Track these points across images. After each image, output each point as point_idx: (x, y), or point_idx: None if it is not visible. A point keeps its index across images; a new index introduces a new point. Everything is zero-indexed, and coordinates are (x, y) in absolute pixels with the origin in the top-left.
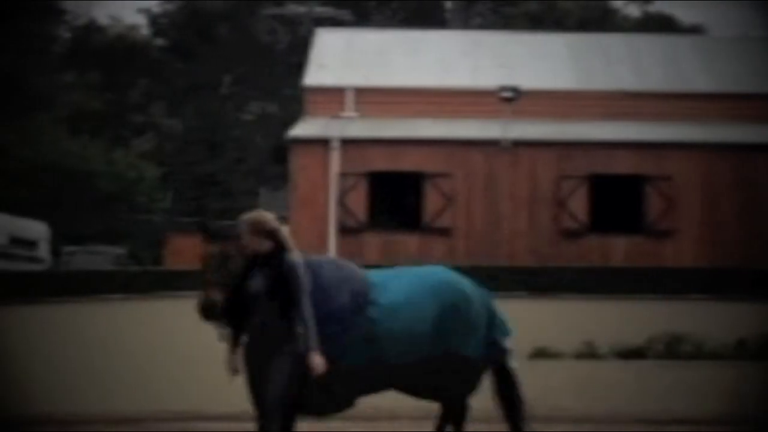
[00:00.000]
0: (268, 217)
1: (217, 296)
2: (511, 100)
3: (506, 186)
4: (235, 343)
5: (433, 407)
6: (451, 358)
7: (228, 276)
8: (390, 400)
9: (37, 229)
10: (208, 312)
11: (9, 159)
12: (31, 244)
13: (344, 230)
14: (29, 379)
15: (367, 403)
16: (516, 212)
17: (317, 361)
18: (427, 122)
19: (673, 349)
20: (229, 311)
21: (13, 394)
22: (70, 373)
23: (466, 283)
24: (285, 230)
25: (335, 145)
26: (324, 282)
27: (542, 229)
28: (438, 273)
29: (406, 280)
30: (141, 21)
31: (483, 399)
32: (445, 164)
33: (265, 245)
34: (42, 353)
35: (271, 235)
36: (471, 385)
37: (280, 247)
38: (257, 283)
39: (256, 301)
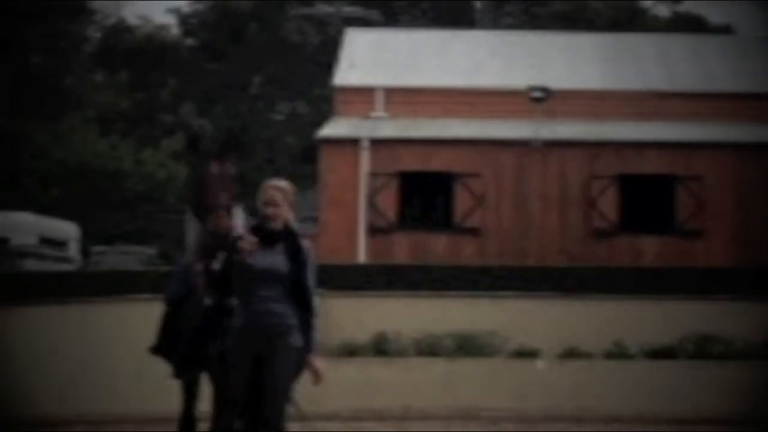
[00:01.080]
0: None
1: (228, 223)
2: (541, 100)
3: (536, 186)
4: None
5: (463, 407)
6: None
7: (233, 199)
8: (421, 399)
9: (67, 229)
10: (233, 238)
11: (39, 159)
12: (61, 244)
13: (374, 230)
14: (46, 379)
15: (398, 402)
16: (546, 212)
17: (319, 365)
18: (457, 122)
19: (703, 349)
20: (228, 286)
21: (23, 394)
22: (95, 372)
23: None
24: None
25: (365, 145)
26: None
27: (572, 229)
28: None
29: None
30: (171, 21)
31: (512, 400)
32: (475, 164)
33: (289, 217)
34: (70, 353)
35: (293, 206)
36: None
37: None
38: (262, 260)
39: (258, 279)
